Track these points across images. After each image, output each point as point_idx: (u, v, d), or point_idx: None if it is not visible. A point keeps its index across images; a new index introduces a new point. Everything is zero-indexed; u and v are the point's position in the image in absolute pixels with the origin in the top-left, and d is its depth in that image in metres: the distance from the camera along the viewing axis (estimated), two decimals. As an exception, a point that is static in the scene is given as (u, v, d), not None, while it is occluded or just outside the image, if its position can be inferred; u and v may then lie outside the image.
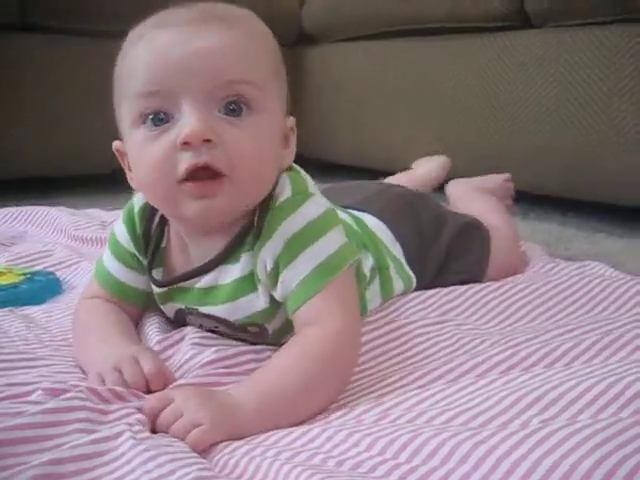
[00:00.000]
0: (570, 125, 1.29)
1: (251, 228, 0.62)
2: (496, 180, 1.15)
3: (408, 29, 1.59)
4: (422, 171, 1.17)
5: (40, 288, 0.83)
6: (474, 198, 1.00)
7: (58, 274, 0.90)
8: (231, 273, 0.63)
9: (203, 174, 0.56)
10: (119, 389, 0.54)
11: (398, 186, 0.94)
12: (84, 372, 0.62)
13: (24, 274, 0.86)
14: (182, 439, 0.48)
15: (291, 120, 0.66)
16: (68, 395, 0.49)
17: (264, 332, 0.66)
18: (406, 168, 1.67)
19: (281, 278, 0.60)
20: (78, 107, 1.58)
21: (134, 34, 0.62)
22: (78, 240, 1.07)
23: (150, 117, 0.57)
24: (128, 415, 0.50)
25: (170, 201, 0.58)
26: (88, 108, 1.55)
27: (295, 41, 1.92)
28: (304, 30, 1.91)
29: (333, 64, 1.84)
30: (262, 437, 0.51)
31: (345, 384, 0.59)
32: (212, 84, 0.56)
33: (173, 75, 0.56)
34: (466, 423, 0.51)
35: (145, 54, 0.58)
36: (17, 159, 1.55)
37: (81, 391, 0.50)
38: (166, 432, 0.49)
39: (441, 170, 1.16)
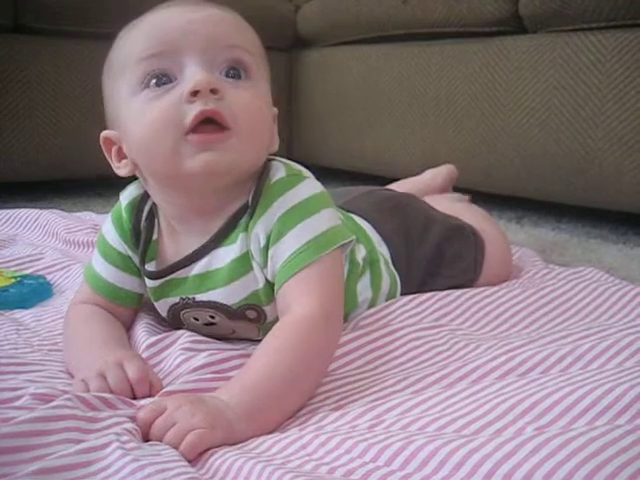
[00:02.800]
0: (564, 130, 1.29)
1: (246, 208, 0.62)
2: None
3: (404, 34, 1.59)
4: (428, 176, 1.16)
5: (30, 292, 0.82)
6: (458, 208, 0.99)
7: (49, 277, 0.89)
8: (228, 255, 0.63)
9: (208, 127, 0.57)
10: (107, 396, 0.53)
11: (386, 189, 0.93)
12: (72, 377, 0.61)
13: (14, 277, 0.85)
14: (176, 447, 0.47)
15: (274, 110, 0.66)
16: (56, 403, 0.48)
17: (262, 317, 0.65)
18: (405, 174, 1.67)
19: (270, 253, 0.60)
20: (71, 109, 1.57)
21: (129, 24, 0.63)
22: (70, 243, 1.06)
23: (153, 80, 0.58)
24: (117, 424, 0.49)
25: (175, 157, 0.57)
26: (81, 111, 1.55)
27: (290, 45, 1.92)
28: (299, 34, 1.91)
29: (328, 68, 1.83)
30: (255, 443, 0.50)
31: (326, 367, 0.59)
32: (214, 45, 0.59)
33: (176, 37, 0.59)
34: (460, 430, 0.50)
35: (145, 28, 0.60)
36: (6, 162, 1.54)
37: (69, 399, 0.49)
38: (160, 441, 0.48)
39: (447, 177, 1.16)
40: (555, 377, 0.57)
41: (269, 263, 0.61)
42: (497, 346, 0.65)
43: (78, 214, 1.24)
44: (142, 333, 0.67)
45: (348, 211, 0.81)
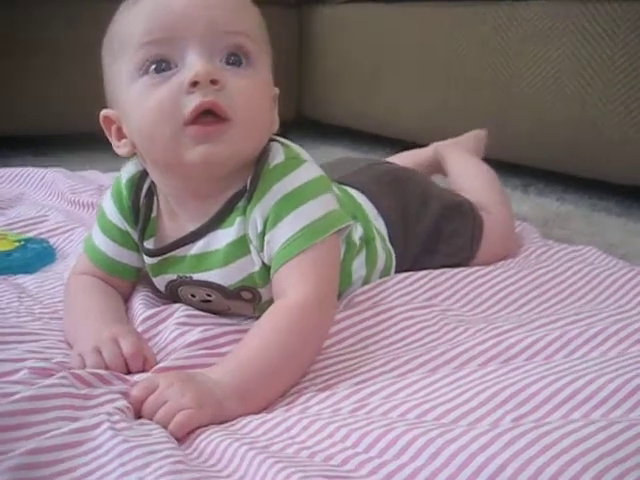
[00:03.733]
0: (573, 101, 1.27)
1: (244, 193, 0.63)
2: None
3: (416, -7, 1.56)
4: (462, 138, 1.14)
5: (33, 256, 0.84)
6: (473, 175, 0.98)
7: (52, 241, 0.91)
8: (225, 237, 0.64)
9: (207, 119, 0.57)
10: (102, 372, 0.55)
11: (387, 162, 0.93)
12: (71, 347, 0.63)
13: (18, 241, 0.87)
14: (166, 425, 0.49)
15: (275, 90, 0.66)
16: (51, 381, 0.50)
17: (257, 298, 0.66)
18: (414, 136, 1.66)
19: (267, 238, 0.61)
20: (74, 65, 1.56)
21: (128, 1, 0.62)
22: (74, 204, 1.08)
23: (153, 66, 0.58)
24: (110, 401, 0.51)
25: (174, 147, 0.58)
26: (84, 63, 1.54)
27: (301, 0, 1.88)
28: (310, -11, 1.87)
29: (339, 26, 1.80)
30: (241, 423, 0.52)
31: (317, 349, 0.60)
32: (215, 31, 0.58)
33: (177, 23, 0.58)
34: (440, 418, 0.52)
35: (146, 8, 0.60)
36: (9, 116, 1.54)
37: (65, 377, 0.51)
38: (151, 419, 0.50)
39: (477, 141, 1.13)
40: (538, 365, 0.58)
41: (265, 248, 0.62)
42: (486, 329, 0.66)
43: (83, 173, 1.25)
44: (139, 306, 0.68)
45: (347, 185, 0.81)
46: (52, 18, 1.56)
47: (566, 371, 0.57)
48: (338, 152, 1.84)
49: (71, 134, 1.63)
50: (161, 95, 0.57)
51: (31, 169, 1.20)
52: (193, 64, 0.57)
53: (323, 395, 0.56)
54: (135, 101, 0.59)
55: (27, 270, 0.81)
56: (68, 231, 0.94)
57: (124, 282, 0.71)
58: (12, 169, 1.21)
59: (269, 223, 0.61)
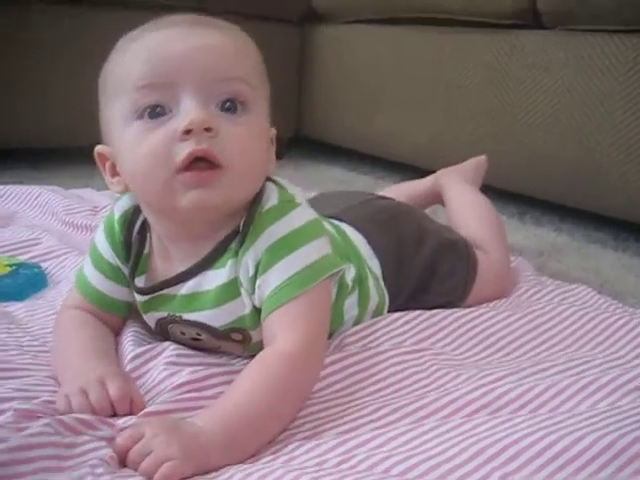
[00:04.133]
0: (572, 133, 1.27)
1: (236, 234, 0.63)
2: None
3: (419, 17, 1.56)
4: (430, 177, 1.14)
5: (24, 282, 0.83)
6: (471, 211, 0.98)
7: (44, 265, 0.90)
8: (216, 279, 0.63)
9: (200, 165, 0.57)
10: (87, 417, 0.54)
11: (383, 198, 0.93)
12: (59, 384, 0.62)
13: (9, 265, 0.86)
14: (150, 477, 0.49)
15: (272, 130, 0.66)
16: (34, 430, 0.50)
17: (248, 339, 0.66)
18: (411, 159, 1.65)
19: (258, 282, 0.61)
20: (73, 77, 1.55)
21: (126, 38, 0.63)
22: (68, 225, 1.07)
23: (147, 111, 0.58)
24: (95, 449, 0.51)
25: (166, 193, 0.58)
26: (82, 78, 1.54)
27: (302, 18, 1.89)
28: (313, 8, 1.87)
29: (341, 45, 1.80)
30: (227, 474, 0.51)
31: (305, 400, 0.60)
32: (212, 78, 0.58)
33: (173, 68, 0.58)
34: (426, 474, 0.51)
35: (142, 50, 0.60)
36: (10, 128, 1.54)
37: (48, 424, 0.51)
38: (136, 469, 0.50)
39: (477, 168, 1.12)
40: (527, 419, 0.58)
41: (257, 291, 0.62)
42: (476, 377, 0.66)
43: (79, 191, 1.25)
44: (129, 343, 0.68)
45: (342, 221, 0.81)
46: (52, 29, 1.56)
47: (555, 426, 0.57)
48: (336, 172, 1.84)
49: (70, 147, 1.63)
50: (155, 141, 0.57)
51: (26, 187, 1.19)
52: (188, 111, 0.57)
53: (309, 445, 0.55)
54: (129, 145, 0.59)
55: (18, 297, 0.81)
56: (61, 255, 0.93)
57: (115, 317, 0.70)
58: (7, 187, 1.21)
59: (261, 267, 0.61)
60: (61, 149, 1.65)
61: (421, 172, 1.63)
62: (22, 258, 0.92)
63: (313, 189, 1.58)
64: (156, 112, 0.58)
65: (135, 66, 0.59)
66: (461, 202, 1.01)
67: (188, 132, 0.56)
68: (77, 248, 0.96)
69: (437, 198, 1.09)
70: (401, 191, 1.08)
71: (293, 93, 1.90)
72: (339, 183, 1.70)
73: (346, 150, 1.89)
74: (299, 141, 1.93)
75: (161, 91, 0.57)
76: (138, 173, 0.59)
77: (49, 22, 1.56)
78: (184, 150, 0.56)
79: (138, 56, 0.59)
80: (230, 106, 0.59)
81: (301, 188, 1.45)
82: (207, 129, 0.56)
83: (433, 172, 1.49)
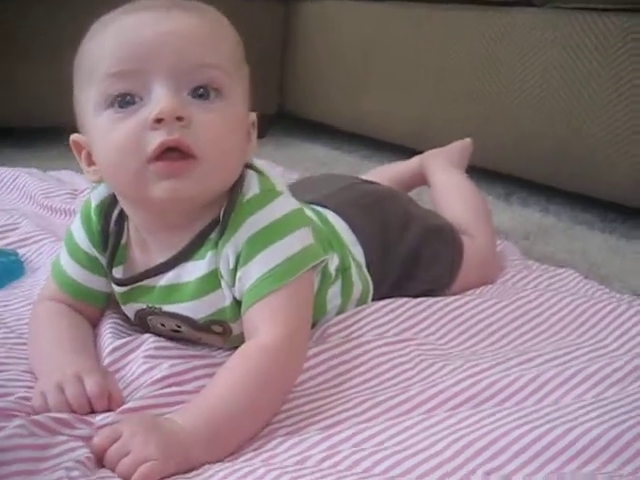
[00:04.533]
0: (560, 113, 1.25)
1: (216, 224, 0.61)
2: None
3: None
4: (415, 158, 1.12)
5: (1, 271, 0.81)
6: (456, 195, 0.96)
7: (21, 252, 0.88)
8: (195, 270, 0.62)
9: (172, 154, 0.55)
10: (64, 416, 0.53)
11: (368, 182, 0.91)
12: (35, 378, 0.61)
13: (-15, 253, 0.84)
14: (128, 478, 0.48)
15: (252, 115, 0.64)
16: (8, 432, 0.48)
17: (228, 331, 0.65)
18: (397, 139, 1.63)
19: (238, 275, 0.60)
20: (55, 55, 1.51)
21: (100, 22, 0.61)
22: (46, 209, 1.05)
23: (117, 100, 0.56)
24: (71, 450, 0.49)
25: (138, 183, 0.57)
26: (65, 55, 1.50)
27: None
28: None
29: (326, 22, 1.77)
30: (208, 472, 0.50)
31: (286, 394, 0.59)
32: (183, 65, 0.56)
33: (144, 55, 0.56)
34: (410, 471, 0.51)
35: (114, 36, 0.57)
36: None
37: (22, 425, 0.49)
38: (114, 470, 0.49)
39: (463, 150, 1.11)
40: (513, 412, 0.57)
41: (237, 284, 0.60)
42: (462, 368, 0.65)
43: (57, 174, 1.22)
44: (108, 335, 0.66)
45: (325, 207, 0.79)
46: (33, 8, 1.51)
47: (541, 419, 0.56)
48: (319, 151, 1.81)
49: (49, 127, 1.59)
50: (125, 131, 0.55)
51: (2, 170, 1.17)
52: (158, 99, 0.55)
53: (292, 441, 0.54)
54: (100, 134, 0.57)
55: (-6, 287, 0.79)
56: (39, 241, 0.91)
57: (93, 308, 0.69)
58: (-17, 169, 1.18)
59: (241, 259, 0.59)
60: (40, 129, 1.61)
61: (408, 152, 1.60)
62: (-1, 245, 0.90)
63: (295, 169, 1.56)
64: (126, 101, 0.56)
65: (106, 52, 0.57)
66: (446, 185, 1.00)
67: (159, 121, 0.54)
68: (55, 233, 0.94)
69: (422, 180, 1.08)
70: (385, 173, 1.06)
71: (275, 69, 1.86)
72: (322, 163, 1.68)
73: (330, 128, 1.86)
74: (282, 118, 1.90)
75: (131, 79, 0.55)
76: (110, 163, 0.58)
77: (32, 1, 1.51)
78: (155, 140, 0.55)
79: (109, 42, 0.57)
80: (203, 92, 0.57)
81: (282, 168, 1.44)
82: (179, 118, 0.55)
83: (420, 152, 1.47)
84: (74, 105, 0.62)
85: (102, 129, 0.57)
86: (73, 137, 0.62)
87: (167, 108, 0.54)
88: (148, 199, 0.57)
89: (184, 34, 0.56)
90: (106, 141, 0.57)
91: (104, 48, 0.57)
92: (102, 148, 0.58)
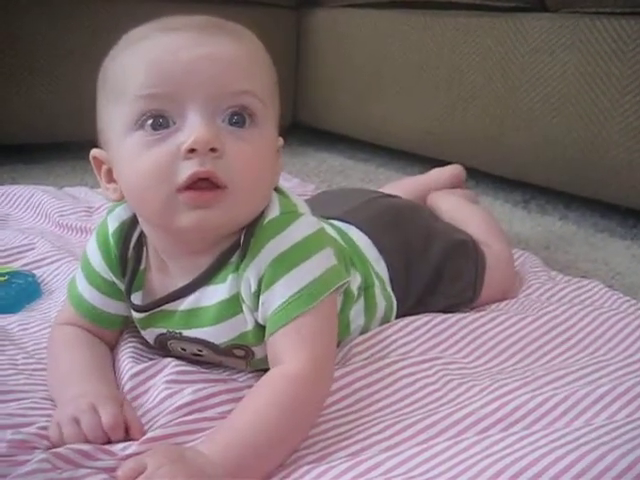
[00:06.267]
0: (579, 119, 1.23)
1: (237, 248, 0.60)
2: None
3: (421, 0, 1.51)
4: (433, 177, 1.11)
5: (18, 293, 0.80)
6: (466, 214, 0.95)
7: (38, 273, 0.87)
8: (216, 294, 0.61)
9: (202, 184, 0.54)
10: (85, 447, 0.52)
11: (389, 196, 0.90)
12: (55, 405, 0.60)
13: (1, 274, 0.83)
14: None
15: (280, 140, 0.62)
16: (30, 467, 0.47)
17: (250, 355, 0.64)
18: (410, 148, 1.61)
19: (261, 300, 0.58)
20: (69, 70, 1.51)
21: (129, 38, 0.59)
22: (62, 227, 1.04)
23: (150, 121, 0.54)
24: (95, 484, 0.48)
25: (165, 211, 0.55)
26: (79, 71, 1.49)
27: (300, 2, 1.84)
28: (309, -9, 1.82)
29: (337, 30, 1.75)
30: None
31: (314, 422, 0.57)
32: (220, 91, 0.55)
33: (180, 77, 0.54)
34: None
35: (148, 54, 0.55)
36: (2, 124, 1.50)
37: (45, 459, 0.48)
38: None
39: (451, 177, 1.10)
40: (544, 436, 0.56)
41: (260, 308, 0.59)
42: (491, 388, 0.63)
43: (72, 190, 1.21)
44: (127, 360, 0.65)
45: (347, 222, 0.78)
46: (46, 24, 1.51)
47: (574, 443, 0.54)
48: (335, 160, 1.80)
49: (63, 143, 1.59)
50: (156, 157, 0.54)
51: (18, 188, 1.16)
52: (193, 128, 0.53)
53: (319, 469, 0.53)
54: (128, 156, 0.56)
55: (11, 309, 0.78)
56: (55, 262, 0.90)
57: (111, 331, 0.68)
58: (-1, 187, 1.18)
59: (264, 284, 0.58)
60: (53, 144, 1.61)
61: (423, 159, 1.60)
62: (16, 265, 0.89)
63: (311, 179, 1.55)
64: (159, 123, 0.54)
65: (139, 71, 0.54)
66: (455, 205, 0.99)
67: (192, 151, 0.53)
68: (72, 253, 0.93)
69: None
70: (405, 186, 1.05)
71: (290, 79, 1.85)
72: (338, 172, 1.66)
73: (344, 137, 1.85)
74: (296, 128, 1.89)
75: (166, 102, 0.54)
76: (137, 187, 0.56)
77: (46, 16, 1.50)
78: (187, 170, 0.53)
79: (142, 61, 0.55)
80: (238, 119, 0.55)
81: (299, 179, 1.43)
82: (212, 149, 0.53)
83: (435, 160, 1.47)
84: (97, 120, 0.61)
85: (131, 151, 0.55)
86: (94, 152, 0.61)
87: (202, 139, 0.53)
88: (174, 227, 0.56)
89: (222, 59, 0.55)
90: (134, 164, 0.55)
91: (136, 66, 0.55)
92: (129, 170, 0.56)
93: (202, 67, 0.54)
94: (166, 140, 0.54)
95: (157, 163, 0.54)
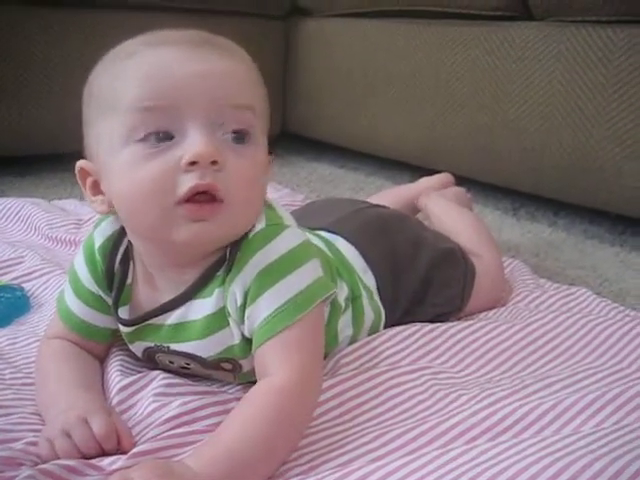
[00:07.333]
0: (566, 127, 1.24)
1: (223, 261, 0.60)
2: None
3: (408, 10, 1.52)
4: (423, 180, 1.12)
5: (6, 307, 0.80)
6: (457, 217, 0.96)
7: (26, 286, 0.87)
8: (203, 308, 0.61)
9: (201, 197, 0.54)
10: (72, 463, 0.52)
11: (377, 206, 0.90)
12: (43, 421, 0.60)
13: (-9, 288, 0.83)
14: None
15: (270, 157, 0.63)
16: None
17: (238, 368, 0.64)
18: (399, 156, 1.62)
19: (247, 313, 0.58)
20: (57, 82, 1.51)
21: (120, 53, 0.58)
22: (51, 240, 1.04)
23: (150, 136, 0.54)
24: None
25: (163, 223, 0.55)
26: (69, 84, 1.50)
27: (287, 13, 1.84)
28: (297, 2, 1.83)
29: (325, 40, 1.76)
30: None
31: (301, 436, 0.57)
32: (220, 104, 0.55)
33: (177, 90, 0.54)
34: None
35: (141, 68, 0.55)
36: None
37: (32, 476, 0.48)
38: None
39: (440, 185, 1.11)
40: (533, 444, 0.56)
41: (246, 322, 0.59)
42: (479, 398, 0.64)
43: (61, 203, 1.21)
44: (115, 373, 0.65)
45: (334, 233, 0.78)
46: (37, 37, 1.51)
47: (562, 451, 0.54)
48: (325, 169, 1.81)
49: (52, 155, 1.59)
50: (156, 169, 0.54)
51: (7, 200, 1.16)
52: (194, 141, 0.53)
53: (305, 485, 0.53)
54: (125, 168, 0.55)
55: (0, 324, 0.78)
56: (44, 275, 0.90)
57: (99, 345, 0.67)
58: (-13, 201, 1.17)
59: (250, 297, 0.58)
60: (42, 156, 1.61)
61: (412, 168, 1.60)
62: (4, 279, 0.89)
63: (302, 189, 1.55)
64: (159, 137, 0.54)
65: (133, 84, 0.54)
66: (444, 210, 0.99)
67: (193, 164, 0.53)
68: (61, 266, 0.93)
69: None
70: (392, 196, 1.05)
71: (279, 89, 1.86)
72: (328, 182, 1.67)
73: (334, 146, 1.86)
74: (285, 137, 1.90)
75: (164, 115, 0.54)
76: (132, 199, 0.55)
77: (36, 28, 1.50)
78: (188, 182, 0.53)
79: (136, 73, 0.54)
80: (237, 137, 0.56)
81: (289, 189, 1.43)
82: (213, 162, 0.53)
83: (424, 168, 1.47)
84: (84, 135, 0.60)
85: (128, 163, 0.55)
86: (80, 163, 0.60)
87: (203, 152, 0.53)
88: (170, 240, 0.56)
89: (220, 73, 0.55)
90: (132, 176, 0.55)
91: (128, 80, 0.55)
92: (125, 182, 0.55)
93: (201, 81, 0.54)
94: (165, 153, 0.54)
95: (156, 175, 0.54)
